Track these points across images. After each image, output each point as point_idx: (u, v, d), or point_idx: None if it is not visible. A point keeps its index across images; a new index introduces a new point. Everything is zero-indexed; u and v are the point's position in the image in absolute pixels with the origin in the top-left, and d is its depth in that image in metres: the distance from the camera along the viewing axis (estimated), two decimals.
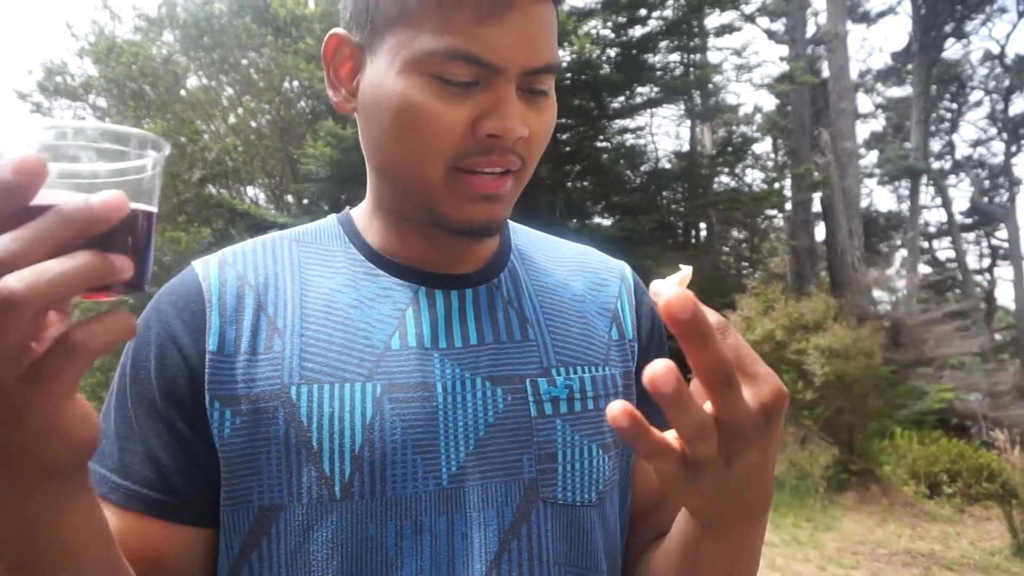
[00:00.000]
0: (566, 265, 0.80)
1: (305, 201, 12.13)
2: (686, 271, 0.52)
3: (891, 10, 19.29)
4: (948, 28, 18.01)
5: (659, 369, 0.41)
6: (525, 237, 0.82)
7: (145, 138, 0.41)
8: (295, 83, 11.98)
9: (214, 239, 10.45)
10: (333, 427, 0.62)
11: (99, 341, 0.38)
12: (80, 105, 13.30)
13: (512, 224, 0.82)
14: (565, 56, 8.83)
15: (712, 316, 0.44)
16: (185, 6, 12.87)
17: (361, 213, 0.76)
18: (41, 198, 0.36)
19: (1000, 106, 20.18)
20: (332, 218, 0.78)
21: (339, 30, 0.69)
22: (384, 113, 0.63)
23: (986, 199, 20.25)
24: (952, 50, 19.06)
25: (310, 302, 0.68)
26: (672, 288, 0.42)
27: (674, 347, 0.65)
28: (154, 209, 0.42)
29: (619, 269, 0.83)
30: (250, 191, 13.29)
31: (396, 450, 0.62)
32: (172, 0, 13.00)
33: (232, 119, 12.77)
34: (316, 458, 0.61)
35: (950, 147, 21.57)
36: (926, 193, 20.35)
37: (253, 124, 12.61)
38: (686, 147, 12.20)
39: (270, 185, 12.94)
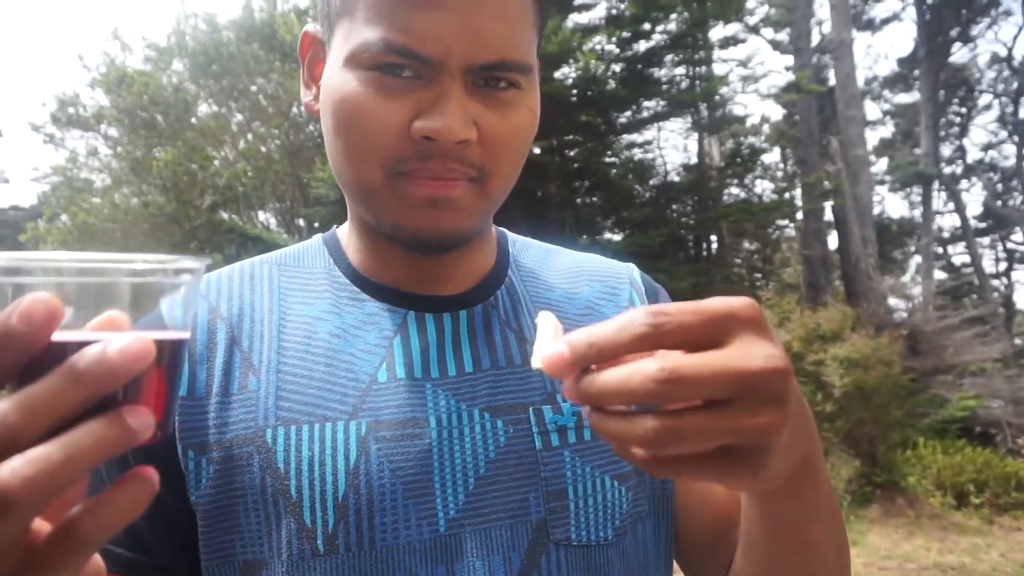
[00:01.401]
0: (570, 276, 0.73)
1: (316, 224, 12.17)
2: (548, 320, 0.44)
3: (896, 16, 19.26)
4: (954, 33, 17.95)
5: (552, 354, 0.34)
6: (524, 249, 0.75)
7: (179, 259, 0.36)
8: (303, 108, 12.09)
9: (226, 264, 10.50)
10: (313, 473, 0.56)
11: (113, 525, 0.32)
12: (92, 135, 13.49)
13: (511, 236, 0.76)
14: (571, 73, 8.86)
15: (630, 314, 0.36)
16: (194, 35, 13.05)
17: (345, 230, 0.71)
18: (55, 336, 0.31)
19: (1010, 109, 20.05)
20: (318, 238, 0.73)
21: (310, 27, 0.65)
22: (328, 109, 0.59)
23: (999, 202, 20.05)
24: (959, 54, 18.99)
25: (288, 333, 0.62)
26: (547, 346, 0.36)
27: None
28: (186, 335, 0.36)
29: (627, 273, 0.76)
30: (261, 216, 13.37)
31: (385, 496, 0.56)
32: (181, 30, 13.19)
33: (242, 145, 12.88)
34: (296, 508, 0.55)
35: (961, 151, 21.43)
36: (938, 198, 20.19)
37: (263, 149, 12.71)
38: (694, 160, 12.17)
39: (281, 209, 13.02)
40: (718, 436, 0.36)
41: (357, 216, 0.67)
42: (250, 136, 12.92)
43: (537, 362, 0.37)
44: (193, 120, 12.87)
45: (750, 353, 0.35)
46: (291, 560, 0.55)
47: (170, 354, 0.35)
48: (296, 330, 0.62)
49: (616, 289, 0.73)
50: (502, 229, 0.76)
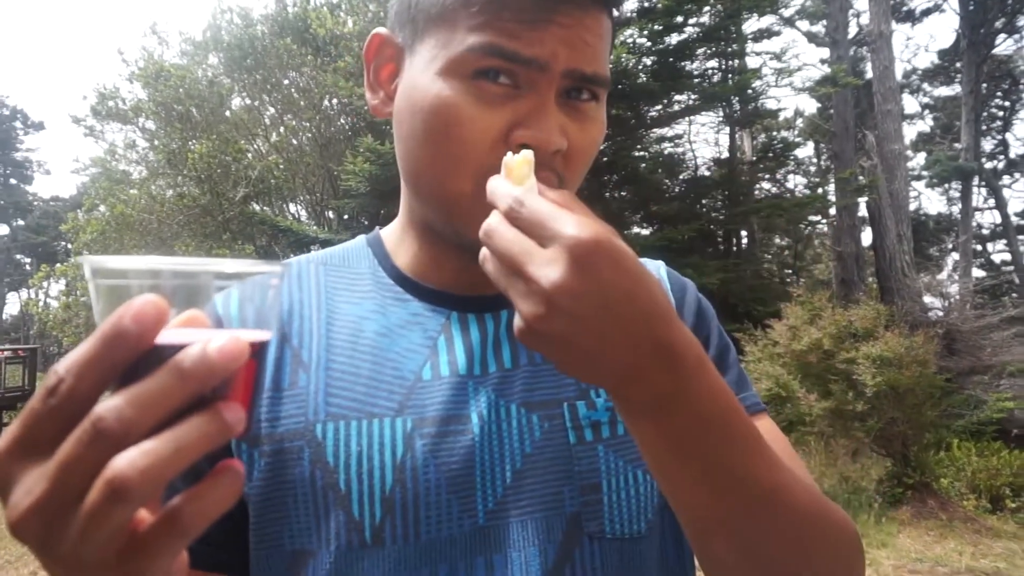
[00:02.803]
0: None
1: (345, 216, 12.31)
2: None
3: (937, 7, 18.75)
4: (998, 23, 17.41)
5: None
6: None
7: (264, 264, 0.38)
8: (334, 101, 12.20)
9: (258, 255, 10.67)
10: (361, 467, 0.58)
11: (211, 514, 0.34)
12: (130, 128, 13.79)
13: None
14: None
15: (515, 191, 0.46)
16: (229, 29, 13.24)
17: (391, 233, 0.72)
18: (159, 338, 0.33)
19: None
20: (361, 239, 0.74)
21: (382, 30, 0.66)
22: (417, 116, 0.59)
23: None
24: (1003, 46, 18.40)
25: (336, 331, 0.64)
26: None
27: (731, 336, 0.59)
28: (270, 336, 0.39)
29: (655, 270, 0.77)
30: (292, 208, 13.56)
31: (430, 490, 0.58)
32: (216, 24, 13.40)
33: (274, 137, 13.06)
34: (344, 501, 0.58)
35: (1003, 146, 20.84)
36: (978, 194, 19.66)
37: (294, 142, 12.88)
38: (725, 154, 12.03)
39: (311, 201, 13.18)
40: (501, 287, 0.45)
41: (419, 220, 0.67)
42: (282, 129, 13.10)
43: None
44: (227, 113, 13.08)
45: (541, 264, 0.42)
46: (339, 551, 0.57)
47: (256, 353, 0.37)
48: (343, 328, 0.64)
49: None
50: None
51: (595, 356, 0.43)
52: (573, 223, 0.42)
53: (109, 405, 0.31)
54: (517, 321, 0.44)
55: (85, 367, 0.32)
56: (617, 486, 0.62)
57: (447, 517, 0.58)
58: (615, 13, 0.63)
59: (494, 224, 0.45)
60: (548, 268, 0.41)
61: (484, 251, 0.46)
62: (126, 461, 0.31)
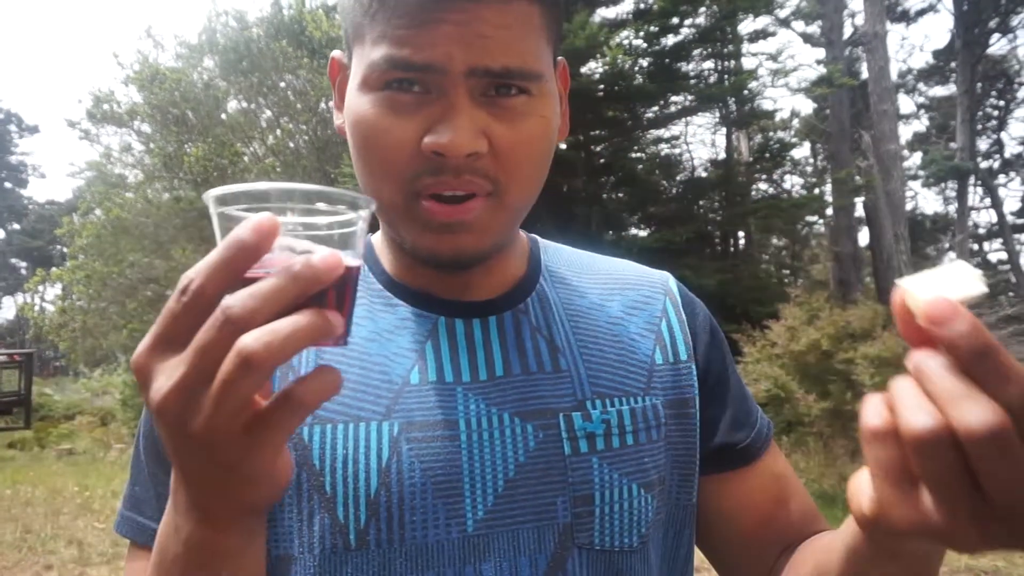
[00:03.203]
0: (601, 283, 0.73)
1: None
2: (968, 272, 0.39)
3: (931, 8, 18.81)
4: (992, 23, 17.48)
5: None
6: (556, 255, 0.75)
7: (356, 197, 0.43)
8: (331, 103, 12.20)
9: None
10: (347, 470, 0.58)
11: (319, 398, 0.39)
12: (126, 131, 13.76)
13: (542, 242, 0.76)
14: (597, 68, 8.81)
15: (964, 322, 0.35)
16: (224, 32, 13.23)
17: (378, 239, 0.72)
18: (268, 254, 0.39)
19: None
20: None
21: (336, 52, 0.67)
22: (350, 132, 0.60)
23: None
24: (997, 45, 18.48)
25: None
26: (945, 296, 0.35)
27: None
28: (360, 262, 0.44)
29: (662, 282, 0.75)
30: None
31: (415, 494, 0.58)
32: (212, 27, 13.39)
33: (271, 140, 13.04)
34: (329, 504, 0.57)
35: (998, 145, 20.92)
36: (974, 194, 19.71)
37: (291, 145, 12.86)
38: (722, 155, 12.06)
39: None
40: (946, 485, 0.36)
41: (383, 233, 0.69)
42: (278, 132, 13.08)
43: (916, 297, 0.37)
44: (223, 116, 13.06)
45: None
46: (323, 555, 0.56)
47: (353, 275, 0.42)
48: None
49: (649, 299, 0.73)
50: (534, 236, 0.77)
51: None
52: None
53: (235, 296, 0.37)
54: (927, 528, 0.37)
55: (212, 269, 0.38)
56: (610, 499, 0.61)
57: (433, 522, 0.58)
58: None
59: (1006, 436, 0.34)
60: None
61: (939, 432, 0.35)
62: (252, 336, 0.36)
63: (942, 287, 0.37)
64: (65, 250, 15.67)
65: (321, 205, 0.41)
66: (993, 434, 0.33)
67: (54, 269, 13.64)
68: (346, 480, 0.58)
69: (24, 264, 37.04)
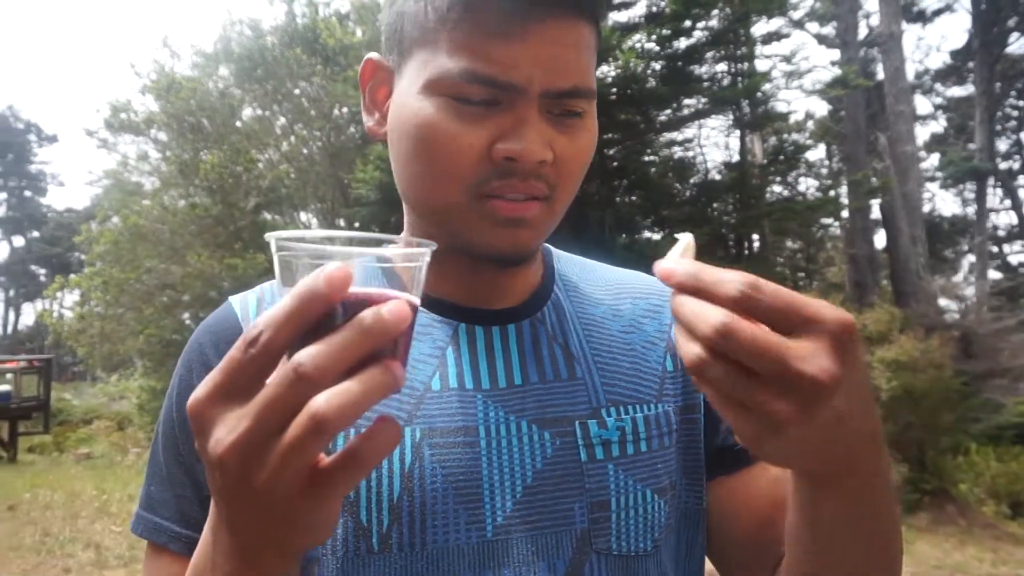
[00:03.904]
0: (613, 292, 0.75)
1: (356, 225, 12.35)
2: (685, 239, 0.48)
3: (948, 7, 18.61)
4: (1011, 22, 17.27)
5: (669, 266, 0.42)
6: (568, 264, 0.78)
7: (419, 241, 0.44)
8: (344, 110, 12.26)
9: (269, 264, 10.70)
10: (371, 475, 0.59)
11: (384, 453, 0.39)
12: (142, 139, 13.90)
13: (555, 251, 0.78)
14: (610, 71, 8.80)
15: (736, 276, 0.41)
16: (239, 41, 13.34)
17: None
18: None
19: None
20: None
21: (374, 54, 0.68)
22: (404, 136, 0.61)
23: None
24: (1016, 45, 18.25)
25: None
26: (669, 259, 0.44)
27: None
28: (418, 301, 0.44)
29: (670, 291, 0.77)
30: (303, 216, 13.62)
31: (437, 499, 0.59)
32: (227, 36, 13.51)
33: (285, 147, 13.13)
34: (353, 508, 0.58)
35: (1018, 146, 20.63)
36: (993, 195, 19.47)
37: (305, 151, 12.94)
38: (736, 157, 11.96)
39: (322, 210, 13.24)
40: (737, 392, 0.40)
41: (417, 230, 0.69)
42: (293, 138, 13.17)
43: (657, 265, 0.45)
44: (238, 124, 13.18)
45: (806, 355, 0.39)
46: (346, 557, 0.57)
47: (414, 318, 0.42)
48: None
49: (659, 307, 0.75)
50: (546, 245, 0.78)
51: (830, 443, 0.43)
52: (825, 306, 0.40)
53: (306, 353, 0.36)
54: (750, 428, 0.41)
55: (282, 321, 0.37)
56: (626, 504, 0.63)
57: (454, 527, 0.59)
58: (595, 22, 0.62)
59: (729, 321, 0.39)
60: (817, 360, 0.39)
61: (699, 353, 0.41)
62: (324, 399, 0.36)
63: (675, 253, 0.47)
64: (83, 257, 15.87)
65: (385, 247, 0.42)
66: (719, 331, 0.39)
67: (72, 276, 13.79)
68: (369, 484, 0.59)
69: (43, 271, 37.52)
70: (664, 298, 0.76)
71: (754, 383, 0.40)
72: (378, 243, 0.42)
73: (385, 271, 0.42)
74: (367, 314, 0.37)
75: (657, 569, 0.64)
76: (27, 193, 40.28)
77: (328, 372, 0.36)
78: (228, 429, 0.37)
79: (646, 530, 0.63)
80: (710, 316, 0.40)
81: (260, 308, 0.67)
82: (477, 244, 0.62)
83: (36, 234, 38.70)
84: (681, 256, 0.46)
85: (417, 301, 0.43)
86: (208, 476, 0.40)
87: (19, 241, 40.02)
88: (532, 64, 0.57)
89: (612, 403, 0.66)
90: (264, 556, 0.43)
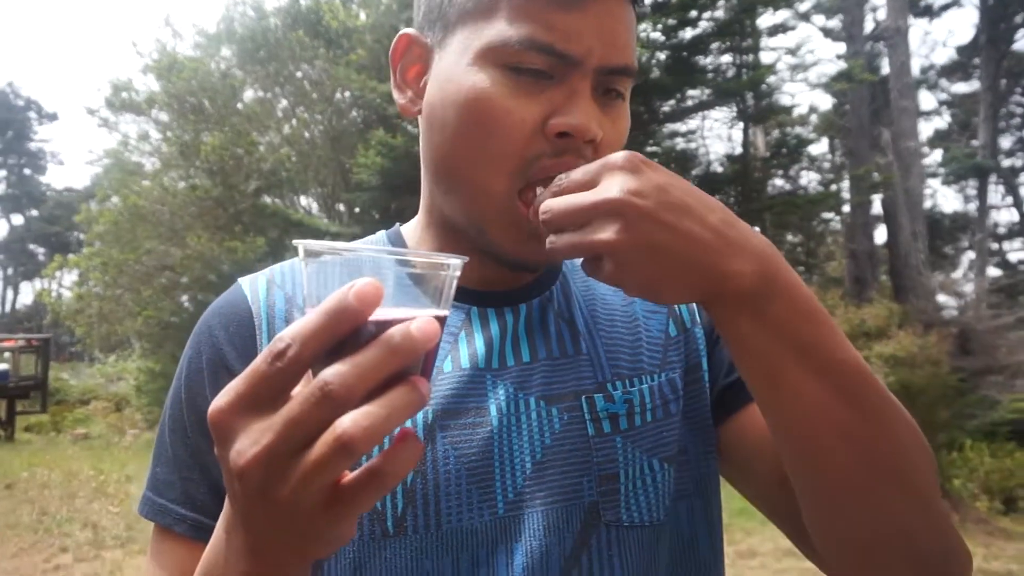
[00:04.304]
0: None
1: (356, 210, 12.32)
2: None
3: (956, 2, 18.46)
4: (1018, 19, 17.17)
5: None
6: None
7: (448, 255, 0.43)
8: (347, 94, 12.20)
9: (269, 248, 10.70)
10: None
11: (406, 470, 0.39)
12: (143, 119, 13.83)
13: None
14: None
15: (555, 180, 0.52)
16: (242, 22, 13.26)
17: (411, 229, 0.73)
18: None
19: None
20: (381, 234, 0.75)
21: (410, 30, 0.66)
22: (450, 109, 0.59)
23: None
24: (1023, 42, 18.16)
25: None
26: None
27: None
28: (447, 313, 0.44)
29: None
30: (303, 200, 13.59)
31: (450, 481, 0.59)
32: (229, 16, 13.42)
33: (286, 130, 13.07)
34: None
35: (1021, 143, 20.57)
36: (995, 192, 19.44)
37: (306, 135, 12.88)
38: (739, 150, 11.93)
39: (322, 194, 13.20)
40: (577, 248, 0.48)
41: (441, 217, 0.68)
42: (294, 121, 13.12)
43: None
44: (239, 105, 13.11)
45: (600, 190, 0.47)
46: (361, 540, 0.58)
47: (441, 332, 0.42)
48: None
49: None
50: None
51: (684, 255, 0.46)
52: (605, 158, 0.49)
53: (334, 372, 0.36)
54: (607, 268, 0.48)
55: (310, 336, 0.36)
56: (634, 476, 0.63)
57: (467, 507, 0.59)
58: (637, 6, 0.64)
59: (548, 202, 0.49)
60: (607, 187, 0.46)
61: (550, 237, 0.50)
62: (351, 421, 0.35)
63: None
64: (82, 236, 15.84)
65: (414, 258, 0.41)
66: (543, 211, 0.51)
67: (71, 256, 13.77)
68: None
69: (42, 250, 37.46)
70: None
71: (583, 230, 0.47)
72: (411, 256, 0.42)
73: (416, 279, 0.41)
74: (396, 332, 0.37)
75: (669, 537, 0.65)
76: (26, 171, 40.13)
77: (356, 391, 0.36)
78: (251, 441, 0.37)
79: (657, 500, 0.64)
80: (538, 203, 0.52)
81: (271, 291, 0.67)
82: (505, 251, 0.62)
83: (35, 213, 38.59)
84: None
85: (446, 314, 0.43)
86: (227, 483, 0.40)
87: (18, 219, 39.94)
88: (592, 36, 0.57)
89: (618, 377, 0.67)
90: (279, 560, 0.42)
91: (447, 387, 0.62)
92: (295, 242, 0.42)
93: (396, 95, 0.68)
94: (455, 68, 0.60)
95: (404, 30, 0.67)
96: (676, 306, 0.73)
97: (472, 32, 0.59)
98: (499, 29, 0.57)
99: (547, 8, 0.56)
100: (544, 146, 0.58)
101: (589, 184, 0.48)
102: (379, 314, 0.38)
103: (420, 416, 0.61)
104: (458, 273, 0.43)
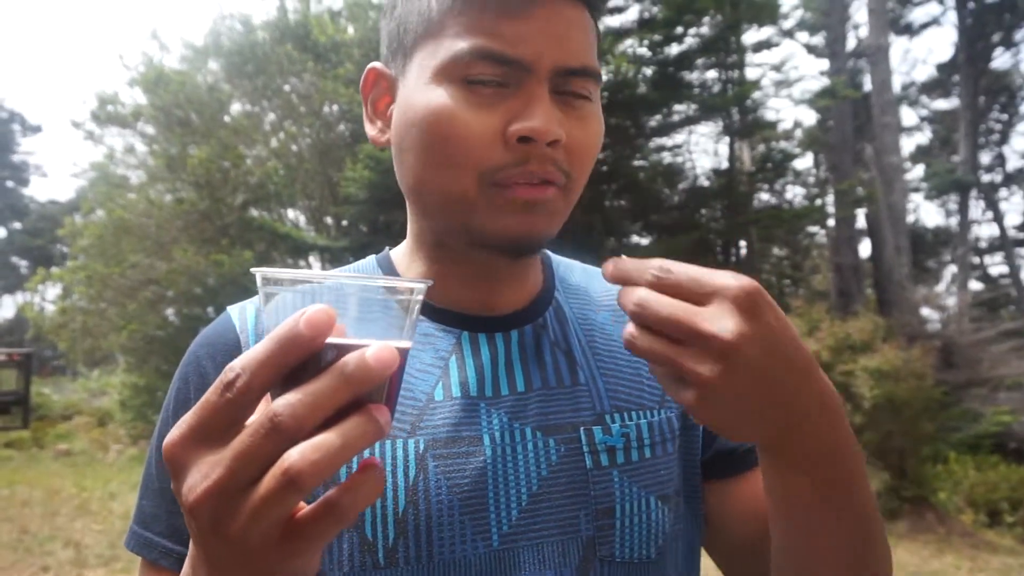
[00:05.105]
0: (612, 297, 0.74)
1: (344, 223, 12.29)
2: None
3: (935, 21, 18.86)
4: (996, 37, 17.53)
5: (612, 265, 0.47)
6: (569, 270, 0.77)
7: (413, 280, 0.42)
8: (335, 107, 12.21)
9: (256, 262, 10.65)
10: None
11: (362, 503, 0.37)
12: (129, 132, 13.77)
13: (554, 257, 0.78)
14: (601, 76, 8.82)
15: (653, 261, 0.47)
16: (229, 35, 13.26)
17: (400, 253, 0.72)
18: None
19: None
20: (371, 259, 0.75)
21: (376, 64, 0.67)
22: (413, 130, 0.60)
23: None
24: (1001, 60, 18.53)
25: None
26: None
27: None
28: (410, 344, 0.42)
29: None
30: (290, 214, 13.54)
31: (443, 512, 0.58)
32: (217, 30, 13.42)
33: (274, 143, 13.05)
34: (358, 523, 0.57)
35: (1001, 159, 20.91)
36: (976, 207, 19.71)
37: (294, 148, 12.87)
38: (725, 164, 12.04)
39: (310, 208, 13.17)
40: (663, 358, 0.45)
41: (426, 238, 0.68)
42: (282, 135, 13.10)
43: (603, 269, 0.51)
44: (227, 119, 13.09)
45: (711, 317, 0.43)
46: (352, 572, 0.57)
47: (402, 360, 0.40)
48: None
49: None
50: (545, 250, 0.77)
51: (767, 407, 0.45)
52: (729, 275, 0.45)
53: (284, 402, 0.35)
54: (687, 395, 0.45)
55: (260, 366, 0.36)
56: (631, 511, 0.62)
57: (460, 538, 0.58)
58: (594, 10, 0.63)
59: (644, 295, 0.45)
60: (721, 321, 0.43)
61: (631, 329, 0.46)
62: (299, 454, 0.34)
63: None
64: (66, 249, 15.68)
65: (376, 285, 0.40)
66: (637, 304, 0.45)
67: (55, 269, 13.63)
68: None
69: (24, 263, 37.03)
70: None
71: (676, 348, 0.44)
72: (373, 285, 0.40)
73: (380, 304, 0.40)
74: (350, 359, 0.35)
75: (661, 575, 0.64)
76: (9, 184, 39.74)
77: (306, 422, 0.34)
78: (202, 475, 0.36)
79: (650, 537, 0.63)
80: (632, 294, 0.46)
81: (258, 320, 0.66)
82: (492, 231, 0.60)
83: (18, 225, 38.18)
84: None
85: (409, 343, 0.41)
86: (185, 519, 0.39)
87: (0, 232, 39.51)
88: (541, 40, 0.57)
89: (616, 409, 0.66)
90: None
91: (439, 416, 0.61)
92: (252, 270, 0.41)
93: (368, 127, 0.69)
94: (415, 91, 0.60)
95: (371, 64, 0.68)
96: None
97: (427, 54, 0.60)
98: (449, 46, 0.58)
99: (493, 18, 0.57)
100: (506, 155, 0.58)
101: (696, 294, 0.44)
102: (339, 340, 0.37)
103: (412, 445, 0.60)
104: (421, 297, 0.42)
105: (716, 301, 0.43)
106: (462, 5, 0.58)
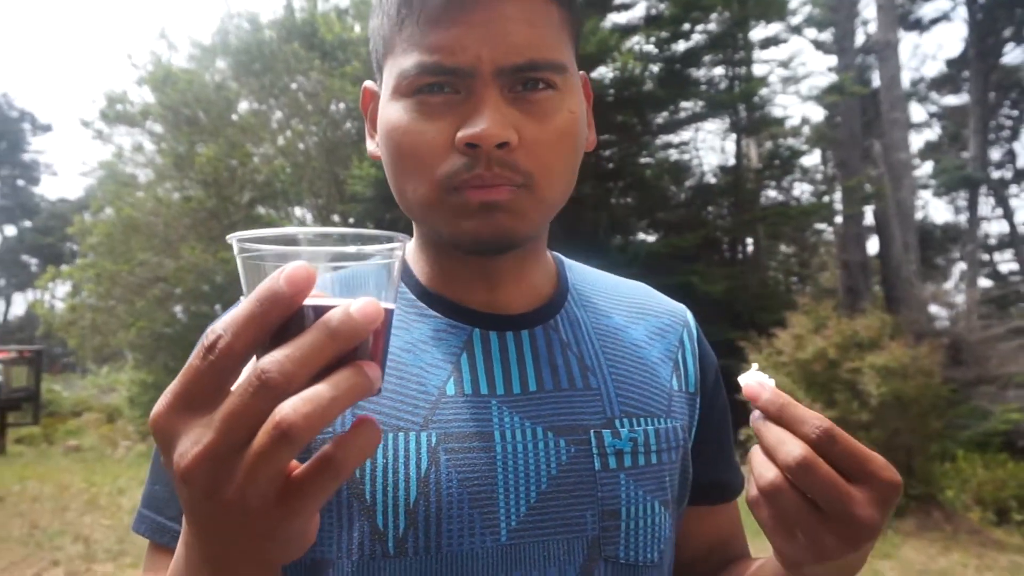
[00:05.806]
0: (625, 306, 0.76)
1: (351, 221, 12.32)
2: (756, 367, 0.58)
3: (945, 16, 18.69)
4: (1007, 32, 17.39)
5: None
6: (581, 275, 0.78)
7: (391, 235, 0.41)
8: (341, 105, 12.24)
9: None
10: (387, 479, 0.59)
11: (361, 458, 0.37)
12: (138, 131, 13.83)
13: (567, 261, 0.79)
14: (607, 73, 8.81)
15: (817, 419, 0.49)
16: (237, 34, 13.29)
17: (410, 249, 0.74)
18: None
19: None
20: None
21: (369, 82, 0.71)
22: (384, 144, 0.63)
23: None
24: (1012, 55, 18.43)
25: None
26: (752, 377, 0.53)
27: (736, 400, 0.62)
28: (394, 304, 0.43)
29: (681, 314, 0.79)
30: (297, 211, 13.58)
31: (452, 504, 0.59)
32: (224, 29, 13.46)
33: (281, 141, 13.09)
34: (369, 512, 0.59)
35: (1011, 156, 20.77)
36: (985, 204, 19.59)
37: (301, 146, 12.90)
38: (732, 161, 12.01)
39: (317, 205, 13.20)
40: (799, 521, 0.49)
41: (422, 233, 0.70)
42: (289, 133, 13.13)
43: (741, 379, 0.55)
44: (234, 117, 13.12)
45: (864, 502, 0.48)
46: (361, 560, 0.58)
47: (387, 319, 0.40)
48: None
49: (669, 327, 0.77)
50: (558, 255, 0.79)
51: (842, 571, 0.53)
52: (885, 466, 0.49)
53: (271, 359, 0.35)
54: (795, 548, 0.51)
55: (242, 326, 0.35)
56: (635, 515, 0.64)
57: (469, 531, 0.59)
58: None
59: (808, 458, 0.48)
60: (870, 509, 0.48)
61: (775, 480, 0.50)
62: (290, 407, 0.34)
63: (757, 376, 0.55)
64: (76, 248, 15.78)
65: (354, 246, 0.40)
66: (800, 463, 0.48)
67: (64, 267, 13.72)
68: (386, 489, 0.59)
69: (35, 261, 37.26)
70: (676, 320, 0.78)
71: (816, 516, 0.49)
72: (351, 238, 0.40)
73: (357, 268, 0.40)
74: (333, 314, 0.36)
75: None
76: (20, 182, 40.00)
77: (295, 377, 0.34)
78: (192, 441, 0.36)
79: (653, 541, 0.65)
80: (792, 448, 0.49)
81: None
82: (454, 235, 0.62)
83: (28, 224, 38.42)
84: (759, 380, 0.55)
85: (390, 304, 0.41)
86: (177, 489, 0.39)
87: (11, 230, 39.76)
88: (478, 44, 0.57)
89: (626, 414, 0.67)
90: (239, 568, 0.41)
91: (451, 410, 0.62)
92: (228, 237, 0.40)
93: (368, 143, 0.72)
94: (384, 107, 0.63)
95: (366, 83, 0.71)
96: (680, 363, 0.74)
97: (388, 72, 0.63)
98: (400, 63, 0.60)
99: (426, 31, 0.58)
100: (457, 161, 0.58)
101: (854, 471, 0.49)
102: (320, 300, 0.37)
103: (424, 438, 0.61)
104: (400, 253, 0.42)
105: (868, 488, 0.48)
106: (403, 22, 0.60)
